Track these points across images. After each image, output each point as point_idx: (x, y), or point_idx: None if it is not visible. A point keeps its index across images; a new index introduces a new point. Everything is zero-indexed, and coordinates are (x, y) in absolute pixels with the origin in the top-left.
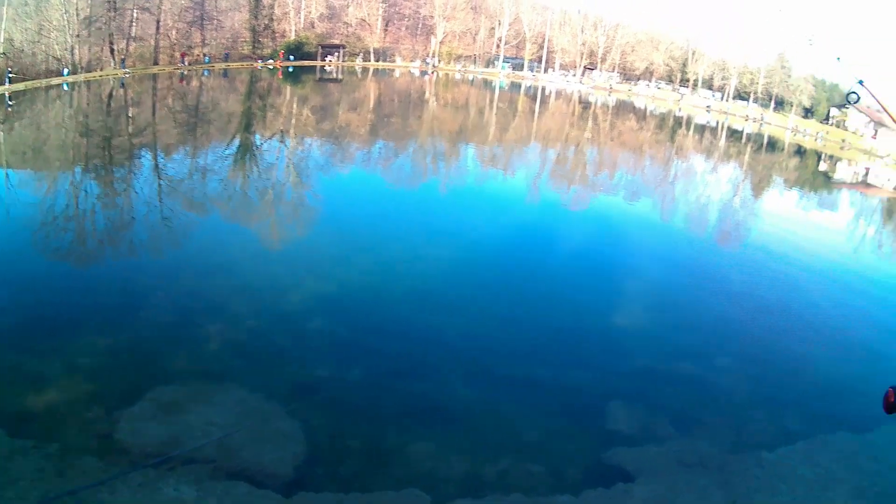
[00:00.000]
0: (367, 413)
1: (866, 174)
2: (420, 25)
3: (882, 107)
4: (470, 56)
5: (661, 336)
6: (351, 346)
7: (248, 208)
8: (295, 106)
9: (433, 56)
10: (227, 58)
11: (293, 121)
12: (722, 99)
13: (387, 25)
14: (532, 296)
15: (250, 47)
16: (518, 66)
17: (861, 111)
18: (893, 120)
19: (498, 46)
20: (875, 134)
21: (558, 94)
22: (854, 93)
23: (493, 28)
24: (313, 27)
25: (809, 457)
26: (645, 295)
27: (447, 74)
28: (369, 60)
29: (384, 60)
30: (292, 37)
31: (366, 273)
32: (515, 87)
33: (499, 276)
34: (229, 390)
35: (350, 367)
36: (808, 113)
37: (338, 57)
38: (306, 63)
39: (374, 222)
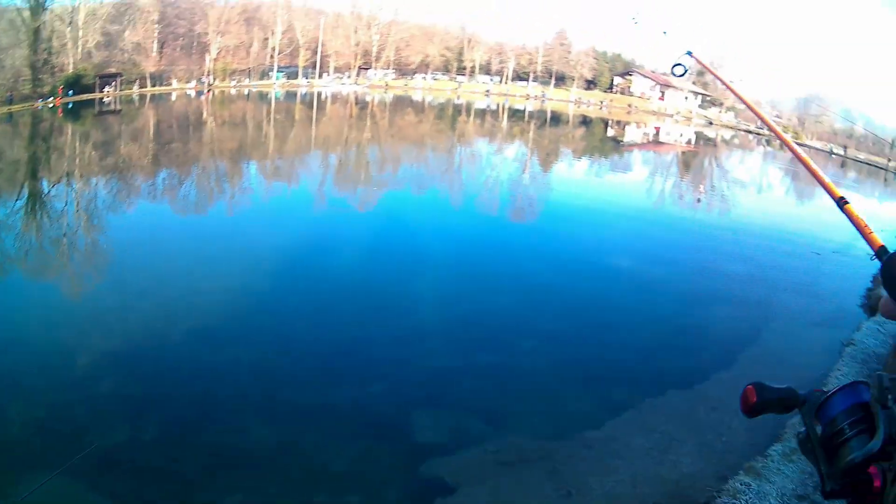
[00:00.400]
0: (171, 476)
1: (657, 133)
2: (195, 44)
3: (713, 74)
4: (245, 70)
5: (452, 333)
6: (143, 401)
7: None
8: (77, 146)
9: (208, 74)
10: (10, 101)
11: (76, 162)
12: (501, 82)
13: (162, 47)
14: (311, 310)
15: (30, 86)
16: (293, 75)
17: (646, 76)
18: (726, 85)
19: (272, 57)
20: (662, 96)
21: (334, 97)
22: (680, 64)
23: (266, 39)
24: (91, 57)
25: (642, 425)
26: (434, 291)
27: (223, 92)
28: (146, 86)
29: (160, 84)
30: (70, 70)
31: (152, 318)
32: (291, 96)
33: (287, 296)
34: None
35: (144, 426)
36: (590, 84)
37: (114, 87)
38: (86, 97)
39: (161, 257)
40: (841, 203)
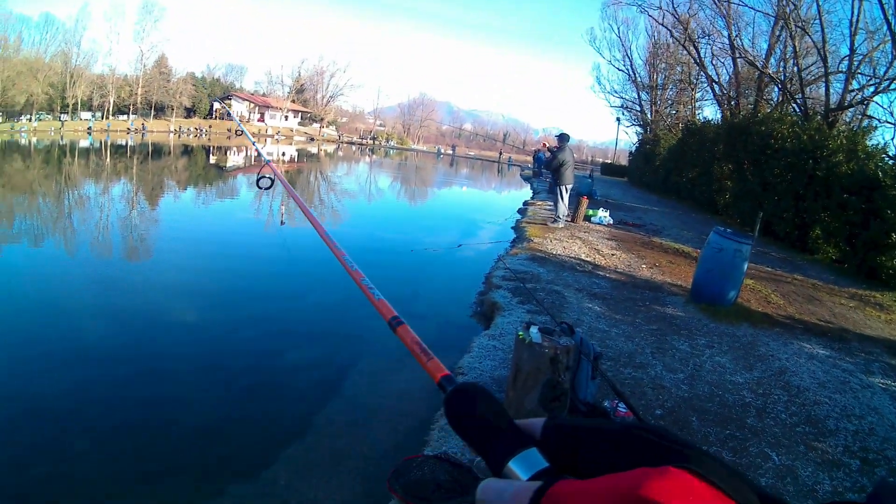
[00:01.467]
0: None
1: (258, 155)
2: None
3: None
4: None
5: None
6: None
7: None
8: None
9: None
10: None
11: None
12: (102, 117)
13: None
14: None
15: None
16: None
17: (244, 98)
18: None
19: None
20: (261, 117)
21: None
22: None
23: None
24: None
25: None
26: None
27: None
28: None
29: None
30: None
31: None
32: None
33: None
34: None
35: None
36: (190, 112)
37: None
38: None
39: None
40: (394, 324)
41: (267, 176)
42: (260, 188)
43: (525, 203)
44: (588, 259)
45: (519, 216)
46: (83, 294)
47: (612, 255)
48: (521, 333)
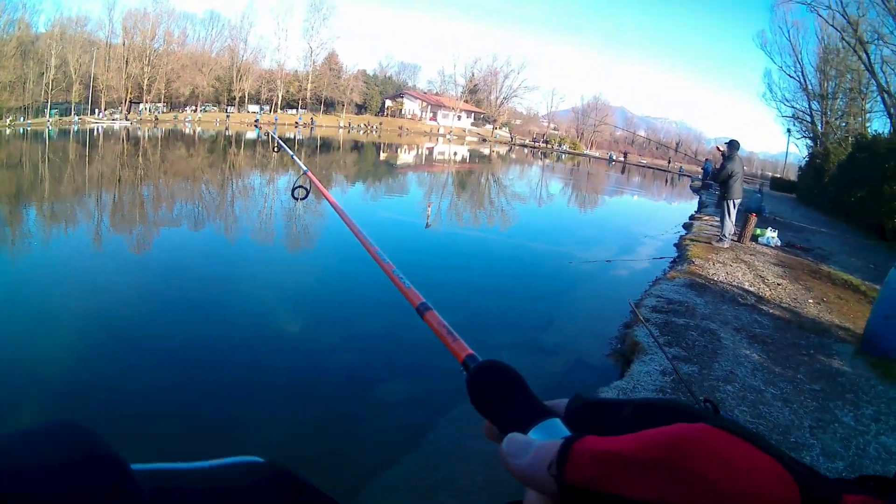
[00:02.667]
0: None
1: (430, 154)
2: None
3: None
4: (20, 107)
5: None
6: None
7: None
8: None
9: None
10: None
11: None
12: (270, 111)
13: None
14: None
15: None
16: (66, 111)
17: (416, 97)
18: None
19: (46, 92)
20: (434, 116)
21: (106, 134)
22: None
23: (42, 73)
24: None
25: None
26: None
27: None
28: None
29: None
30: None
31: None
32: (64, 134)
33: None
34: None
35: None
36: (361, 109)
37: None
38: None
39: None
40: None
41: (303, 186)
42: (295, 199)
43: (691, 217)
44: (752, 289)
45: (683, 231)
46: (236, 275)
47: (778, 284)
48: None
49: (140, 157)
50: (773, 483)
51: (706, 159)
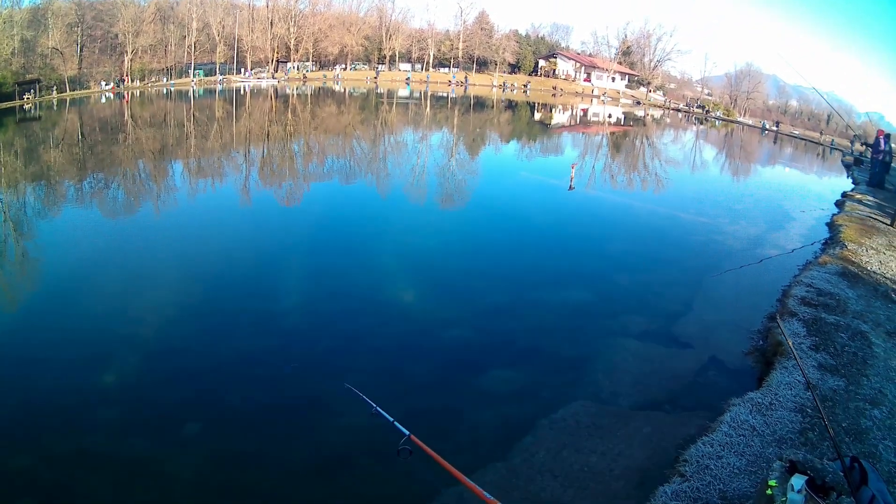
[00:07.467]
0: None
1: (584, 115)
2: (112, 46)
3: None
4: (163, 69)
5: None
6: None
7: None
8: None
9: (126, 75)
10: None
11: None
12: (422, 69)
13: (81, 51)
14: (251, 315)
15: None
16: (210, 72)
17: (570, 57)
18: None
19: (189, 54)
20: (588, 77)
21: (253, 92)
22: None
23: (184, 36)
24: (10, 65)
25: None
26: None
27: (142, 92)
28: (65, 91)
29: (80, 88)
30: None
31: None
32: (210, 93)
33: (230, 299)
34: None
35: None
36: (514, 68)
37: (33, 93)
38: (6, 105)
39: (96, 261)
40: None
41: (406, 448)
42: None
43: (843, 195)
44: None
45: (836, 209)
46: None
47: None
48: (772, 483)
49: (290, 114)
50: None
51: (882, 134)
